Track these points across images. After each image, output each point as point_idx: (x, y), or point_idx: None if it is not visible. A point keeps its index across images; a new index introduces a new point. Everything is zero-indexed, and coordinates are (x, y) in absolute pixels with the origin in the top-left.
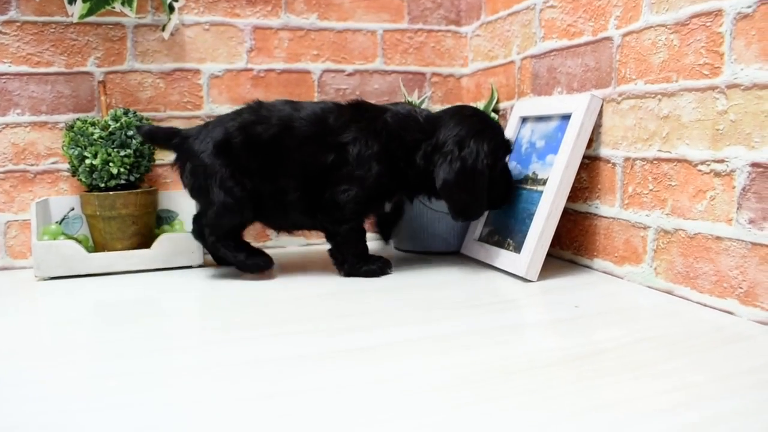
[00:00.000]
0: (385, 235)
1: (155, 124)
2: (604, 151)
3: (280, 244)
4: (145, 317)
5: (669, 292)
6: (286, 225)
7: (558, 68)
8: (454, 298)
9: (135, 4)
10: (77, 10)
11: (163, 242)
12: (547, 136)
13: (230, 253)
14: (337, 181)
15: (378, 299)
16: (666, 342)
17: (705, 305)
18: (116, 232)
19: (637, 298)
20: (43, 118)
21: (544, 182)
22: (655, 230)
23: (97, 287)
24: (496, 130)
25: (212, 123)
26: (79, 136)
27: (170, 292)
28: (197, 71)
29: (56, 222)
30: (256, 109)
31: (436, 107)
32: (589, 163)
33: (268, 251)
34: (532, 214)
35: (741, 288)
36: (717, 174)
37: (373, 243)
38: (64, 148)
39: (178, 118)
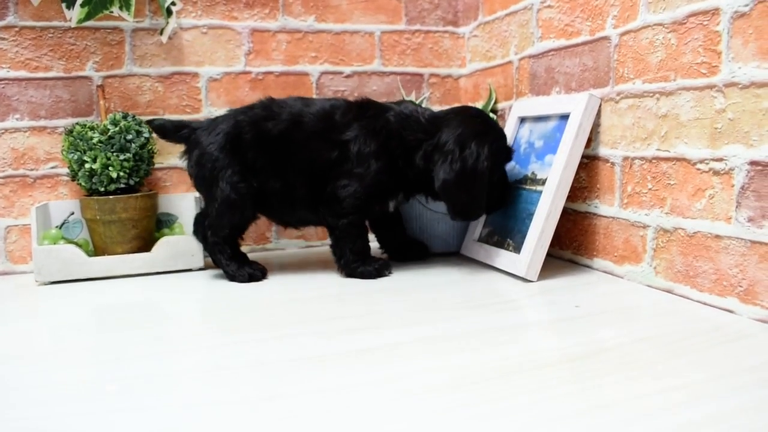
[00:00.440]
0: (387, 248)
1: None
2: (603, 151)
3: (280, 246)
4: (145, 321)
5: (669, 291)
6: (293, 220)
7: (556, 68)
8: (454, 298)
9: (133, 9)
10: (75, 14)
11: (163, 245)
12: (546, 136)
13: (224, 260)
14: (337, 177)
15: (378, 300)
16: (666, 341)
17: (705, 304)
18: (116, 235)
19: (637, 298)
20: (42, 122)
21: (543, 182)
22: (654, 229)
23: (98, 291)
24: (499, 134)
25: (222, 116)
26: (78, 140)
27: (171, 296)
28: (195, 74)
29: (56, 226)
30: (268, 105)
31: (435, 108)
32: (588, 163)
33: (268, 253)
34: (532, 214)
35: (741, 286)
36: (716, 172)
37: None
38: (64, 152)
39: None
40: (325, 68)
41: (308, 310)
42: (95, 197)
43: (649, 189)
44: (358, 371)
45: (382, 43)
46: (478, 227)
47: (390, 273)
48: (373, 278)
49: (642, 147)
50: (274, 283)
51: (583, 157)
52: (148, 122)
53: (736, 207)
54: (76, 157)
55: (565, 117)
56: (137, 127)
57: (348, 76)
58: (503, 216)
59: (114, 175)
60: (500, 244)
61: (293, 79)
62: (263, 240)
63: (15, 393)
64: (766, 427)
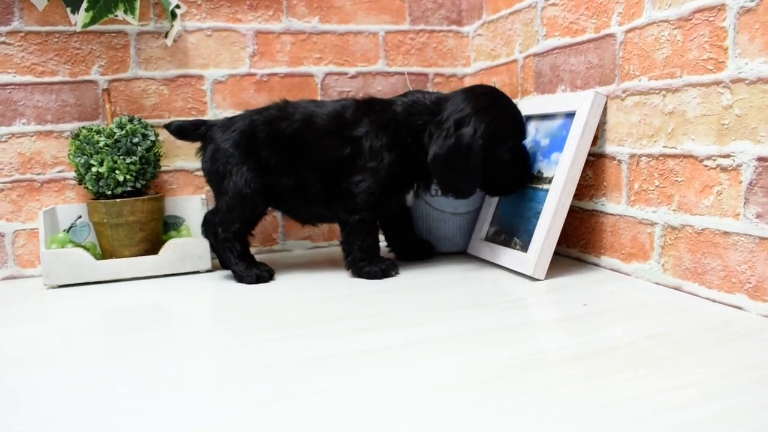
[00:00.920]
0: (394, 247)
1: (160, 131)
2: (610, 148)
3: (286, 248)
4: (153, 323)
5: (677, 289)
6: (309, 217)
7: (561, 66)
8: (461, 298)
9: (137, 12)
10: (80, 19)
11: (171, 248)
12: (552, 134)
13: (233, 259)
14: (351, 173)
15: (385, 301)
16: (675, 338)
17: (713, 301)
18: (123, 239)
19: (645, 295)
20: (48, 127)
21: (549, 180)
22: (662, 226)
23: (106, 294)
24: (506, 110)
25: (239, 116)
26: (84, 144)
27: (178, 298)
28: (200, 77)
29: (64, 230)
30: (282, 106)
31: None
32: (595, 161)
33: (274, 255)
34: (539, 213)
35: (749, 283)
36: (723, 169)
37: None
38: (70, 156)
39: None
40: (329, 69)
41: (316, 310)
42: (102, 201)
43: (657, 186)
44: (366, 371)
45: (387, 44)
46: (484, 226)
47: (396, 274)
48: (379, 279)
49: (649, 144)
50: (281, 284)
51: (589, 154)
52: (166, 126)
53: (744, 203)
54: (82, 161)
55: (571, 115)
56: (143, 131)
57: (353, 77)
58: (510, 214)
59: (121, 178)
60: (507, 243)
61: (298, 80)
62: (270, 241)
63: (25, 396)
64: None
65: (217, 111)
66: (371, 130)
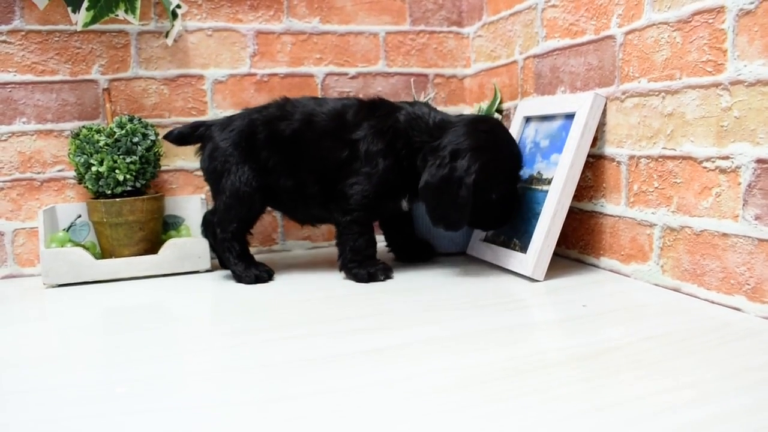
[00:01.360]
0: (394, 248)
1: (160, 130)
2: (609, 150)
3: (286, 248)
4: (153, 323)
5: (676, 290)
6: (308, 218)
7: (561, 67)
8: (460, 298)
9: (138, 12)
10: (81, 18)
11: (170, 248)
12: (552, 135)
13: (232, 259)
14: (347, 175)
15: (385, 301)
16: (674, 339)
17: (712, 302)
18: (123, 238)
19: (644, 296)
20: (48, 126)
21: (549, 182)
22: (661, 228)
23: (105, 294)
24: (504, 152)
25: (238, 115)
26: (84, 143)
27: (178, 298)
28: (201, 77)
29: (63, 229)
30: (282, 105)
31: (440, 108)
32: (594, 162)
33: (274, 255)
34: (538, 214)
35: (748, 284)
36: (722, 171)
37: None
38: (70, 155)
39: (183, 124)
40: (330, 69)
41: (315, 311)
42: (102, 200)
43: (656, 187)
44: (366, 372)
45: (387, 44)
46: None
47: (385, 279)
48: (365, 282)
49: (648, 146)
50: (280, 284)
51: (588, 156)
52: (166, 137)
53: (743, 205)
54: (82, 160)
55: (570, 116)
56: (143, 130)
57: (353, 77)
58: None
59: (120, 177)
60: (506, 244)
61: (298, 80)
62: (269, 241)
63: (24, 395)
64: None
65: (218, 111)
66: (369, 134)
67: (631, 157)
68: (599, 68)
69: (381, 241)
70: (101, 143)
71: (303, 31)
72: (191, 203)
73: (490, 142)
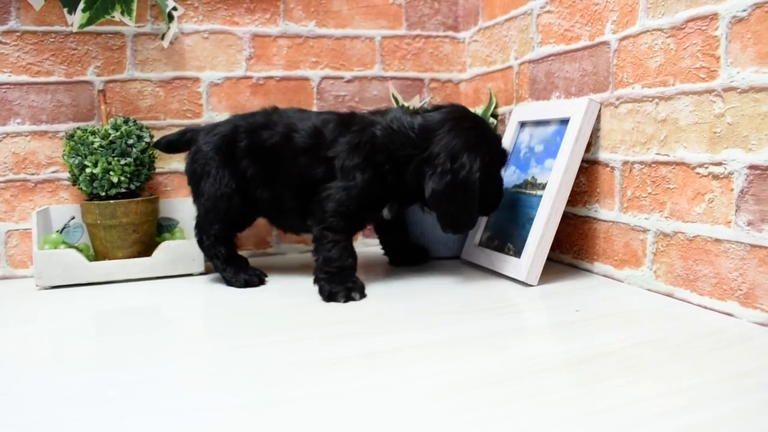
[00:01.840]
0: (388, 252)
1: (155, 133)
2: (603, 155)
3: (280, 251)
4: (146, 326)
5: (669, 295)
6: (288, 227)
7: (556, 73)
8: (454, 303)
9: (134, 14)
10: (77, 19)
11: (164, 250)
12: (546, 140)
13: (219, 264)
14: (325, 188)
15: (378, 305)
16: (666, 345)
17: (705, 308)
18: (117, 240)
19: (637, 302)
20: (43, 127)
21: (543, 186)
22: (654, 233)
23: (98, 296)
24: (493, 142)
25: (224, 120)
26: (79, 145)
27: (171, 300)
28: (197, 79)
29: (57, 231)
30: (269, 114)
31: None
32: (588, 167)
33: (268, 258)
34: (532, 219)
35: (741, 290)
36: (715, 177)
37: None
38: (65, 157)
39: (179, 127)
40: (325, 73)
41: (309, 314)
42: (96, 202)
43: (649, 193)
44: (359, 376)
45: (383, 48)
46: (478, 232)
47: (346, 300)
48: (324, 300)
49: (641, 151)
50: (274, 287)
51: (583, 161)
52: (155, 146)
53: (736, 211)
54: (77, 161)
55: (565, 121)
56: (138, 132)
57: (349, 81)
58: (503, 220)
59: (115, 179)
60: (501, 249)
61: (294, 84)
62: (264, 245)
63: (15, 398)
64: (766, 431)
65: (213, 113)
66: (344, 150)
67: (625, 163)
68: (594, 74)
69: (376, 245)
70: (96, 145)
71: (299, 35)
72: (186, 206)
73: (480, 137)
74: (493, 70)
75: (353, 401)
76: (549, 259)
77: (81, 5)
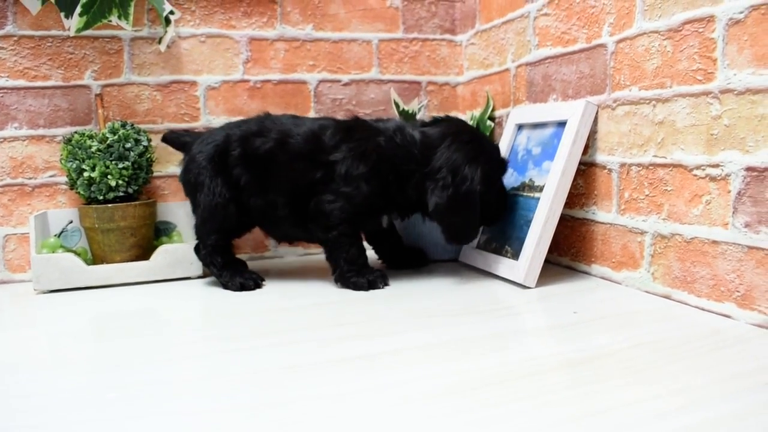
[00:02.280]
0: (385, 257)
1: (153, 136)
2: (600, 157)
3: (278, 255)
4: (144, 329)
5: (667, 297)
6: (280, 235)
7: (553, 75)
8: (452, 305)
9: (131, 18)
10: (74, 23)
11: (162, 254)
12: (543, 142)
13: (216, 271)
14: (322, 192)
15: (376, 308)
16: (664, 346)
17: (702, 309)
18: (115, 244)
19: (635, 303)
20: (40, 131)
21: (540, 189)
22: (651, 235)
23: (96, 300)
24: (492, 153)
25: (218, 128)
26: (77, 149)
27: (169, 304)
28: (194, 83)
29: (55, 235)
30: (262, 120)
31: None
32: (586, 170)
33: (266, 262)
34: (530, 221)
35: (738, 291)
36: (712, 178)
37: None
38: (62, 161)
39: (176, 131)
40: (323, 76)
41: (307, 317)
42: (94, 206)
43: (647, 195)
44: (357, 378)
45: (380, 51)
46: None
47: (383, 286)
48: (365, 290)
49: (639, 153)
50: (272, 290)
51: (580, 163)
52: (163, 139)
53: (733, 212)
54: (74, 165)
55: (562, 124)
56: (136, 136)
57: (346, 84)
58: (501, 223)
59: (113, 183)
60: (498, 251)
61: (291, 87)
62: (261, 248)
63: (14, 401)
64: None
65: (210, 117)
66: (348, 157)
67: (622, 165)
68: (591, 76)
69: (368, 248)
70: (93, 149)
71: (296, 38)
72: (183, 209)
73: (478, 150)
74: (490, 72)
75: (352, 403)
76: (547, 261)
77: (78, 9)
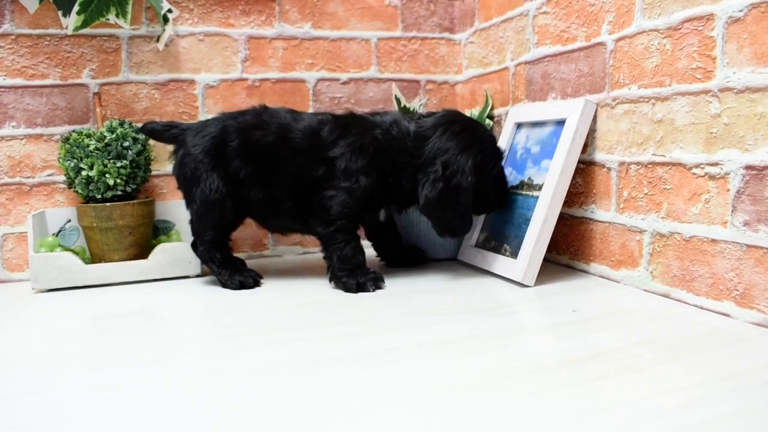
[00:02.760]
0: (383, 255)
1: None
2: (599, 156)
3: (277, 253)
4: (142, 328)
5: (665, 296)
6: (278, 228)
7: (552, 74)
8: (451, 303)
9: (129, 16)
10: (72, 22)
11: (160, 253)
12: (542, 141)
13: (215, 269)
14: (324, 189)
15: (375, 306)
16: (663, 345)
17: (701, 308)
18: (113, 243)
19: (633, 302)
20: (38, 130)
21: (539, 187)
22: (650, 234)
23: (95, 299)
24: (485, 142)
25: (212, 119)
26: (75, 148)
27: (168, 303)
28: (192, 81)
29: (53, 234)
30: (259, 113)
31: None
32: (585, 168)
33: (265, 260)
34: (529, 220)
35: (737, 290)
36: (711, 177)
37: (370, 251)
38: (60, 160)
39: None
40: (321, 75)
41: (305, 315)
42: (92, 204)
43: (645, 194)
44: (355, 376)
45: (379, 50)
46: (474, 233)
47: (374, 289)
48: (353, 292)
49: (638, 152)
50: (271, 289)
51: (579, 162)
52: (141, 129)
53: (732, 211)
54: (72, 164)
55: (561, 122)
56: (134, 134)
57: (344, 83)
58: (500, 221)
59: (111, 182)
60: (497, 250)
61: (290, 85)
62: (260, 247)
63: (13, 400)
64: (763, 430)
65: (209, 116)
66: (347, 152)
67: (622, 164)
68: (590, 75)
69: (368, 247)
70: (91, 147)
71: (295, 37)
72: (182, 208)
73: (470, 139)
74: (490, 71)
75: (350, 401)
76: (545, 260)
77: (76, 8)
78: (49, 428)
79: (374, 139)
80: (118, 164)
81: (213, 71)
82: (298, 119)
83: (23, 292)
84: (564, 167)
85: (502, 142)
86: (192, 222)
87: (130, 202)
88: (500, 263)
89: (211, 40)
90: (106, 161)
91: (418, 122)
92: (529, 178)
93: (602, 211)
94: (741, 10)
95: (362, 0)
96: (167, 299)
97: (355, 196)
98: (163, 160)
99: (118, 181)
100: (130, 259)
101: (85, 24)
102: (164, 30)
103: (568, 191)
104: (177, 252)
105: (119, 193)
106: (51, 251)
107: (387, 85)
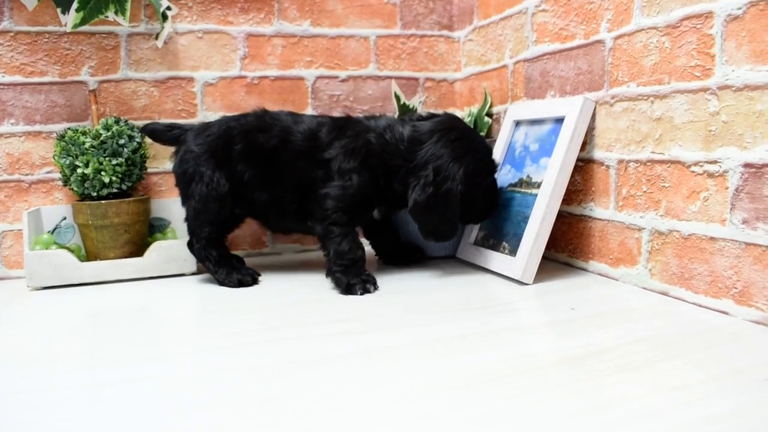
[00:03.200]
0: (381, 253)
1: None
2: (598, 154)
3: (276, 251)
4: (139, 325)
5: (664, 293)
6: (280, 228)
7: (551, 72)
8: (449, 301)
9: (128, 13)
10: (70, 19)
11: (156, 250)
12: (541, 139)
13: (211, 267)
14: (322, 188)
15: (373, 304)
16: (662, 343)
17: (700, 306)
18: (108, 240)
19: (632, 300)
20: (37, 127)
21: (538, 185)
22: (649, 232)
23: (90, 296)
24: (480, 153)
25: (215, 122)
26: (70, 145)
27: (164, 300)
28: (191, 79)
29: (48, 231)
30: (261, 116)
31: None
32: (583, 166)
33: (264, 258)
34: (527, 217)
35: (735, 288)
36: (710, 175)
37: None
38: (56, 157)
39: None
40: (320, 72)
41: (304, 313)
42: (87, 202)
43: (644, 192)
44: (354, 374)
45: (378, 48)
46: (474, 231)
47: (362, 293)
48: (342, 293)
49: (637, 150)
50: (269, 287)
51: (578, 160)
52: (142, 129)
53: (731, 209)
54: (68, 162)
55: (560, 120)
56: (130, 132)
57: (343, 81)
58: (499, 219)
59: (106, 179)
60: (496, 247)
61: (289, 83)
62: (259, 245)
63: (9, 398)
64: (761, 428)
65: (208, 113)
66: (341, 153)
67: (620, 161)
68: (589, 72)
69: (366, 245)
70: (87, 145)
71: (293, 34)
72: (177, 206)
73: (465, 148)
74: (488, 69)
75: (347, 399)
76: (544, 257)
77: (74, 5)
78: (47, 426)
79: (367, 142)
80: (114, 162)
81: (212, 69)
82: (299, 122)
83: (20, 289)
84: (563, 165)
85: (501, 140)
86: (188, 219)
87: (126, 199)
88: (499, 261)
89: (210, 38)
90: (101, 159)
91: (414, 126)
92: (528, 176)
93: (601, 209)
94: (740, 8)
95: None
96: (163, 297)
97: (348, 193)
98: (161, 157)
99: (114, 178)
100: (126, 257)
101: (83, 21)
102: (163, 27)
103: (567, 189)
104: (173, 250)
105: (115, 190)
106: (46, 249)
107: (386, 83)
